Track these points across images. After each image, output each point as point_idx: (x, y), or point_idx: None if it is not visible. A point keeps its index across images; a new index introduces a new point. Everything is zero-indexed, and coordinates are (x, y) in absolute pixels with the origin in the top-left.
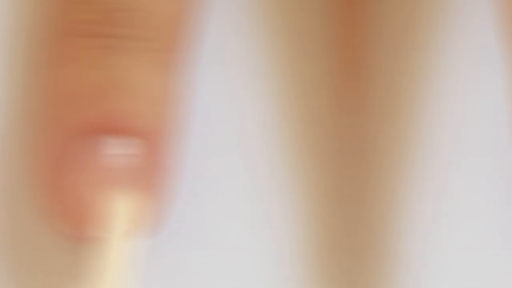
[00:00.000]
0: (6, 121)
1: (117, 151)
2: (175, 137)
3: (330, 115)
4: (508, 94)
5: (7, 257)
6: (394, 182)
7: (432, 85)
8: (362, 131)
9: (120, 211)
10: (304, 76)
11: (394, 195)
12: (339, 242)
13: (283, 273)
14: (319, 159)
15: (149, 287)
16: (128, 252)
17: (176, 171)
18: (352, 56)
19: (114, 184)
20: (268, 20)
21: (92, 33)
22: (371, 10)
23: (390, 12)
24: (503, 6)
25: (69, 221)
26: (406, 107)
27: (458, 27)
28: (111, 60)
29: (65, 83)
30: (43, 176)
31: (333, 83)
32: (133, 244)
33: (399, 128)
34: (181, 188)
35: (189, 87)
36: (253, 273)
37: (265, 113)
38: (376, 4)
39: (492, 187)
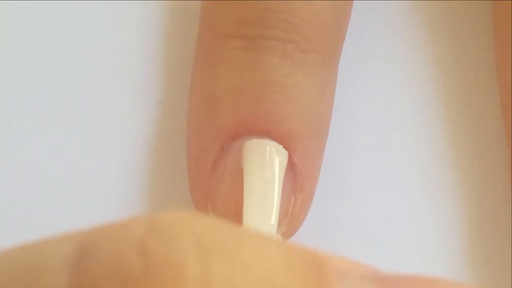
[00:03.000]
0: (162, 121)
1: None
2: (323, 139)
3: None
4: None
5: None
6: None
7: None
8: None
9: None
10: (451, 75)
11: None
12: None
13: (440, 272)
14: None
15: None
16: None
17: (314, 174)
18: None
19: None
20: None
21: (244, 35)
22: None
23: None
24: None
25: None
26: None
27: None
28: (262, 61)
29: (216, 84)
30: (191, 177)
31: (488, 80)
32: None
33: None
34: (321, 188)
35: (336, 89)
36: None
37: (411, 113)
38: None
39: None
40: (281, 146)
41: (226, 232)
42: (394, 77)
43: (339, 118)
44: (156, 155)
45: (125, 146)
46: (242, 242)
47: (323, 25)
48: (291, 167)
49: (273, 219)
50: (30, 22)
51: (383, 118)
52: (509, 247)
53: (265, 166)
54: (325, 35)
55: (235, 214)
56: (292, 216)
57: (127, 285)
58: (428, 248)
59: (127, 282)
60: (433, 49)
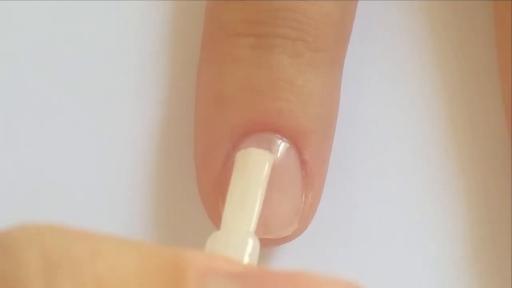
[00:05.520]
0: (170, 120)
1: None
2: (331, 137)
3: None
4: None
5: None
6: None
7: None
8: None
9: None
10: (454, 75)
11: None
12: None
13: (440, 272)
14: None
15: None
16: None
17: (323, 171)
18: None
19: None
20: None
21: (254, 33)
22: None
23: None
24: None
25: (214, 220)
26: None
27: None
28: (273, 59)
29: (226, 82)
30: (200, 174)
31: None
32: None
33: None
34: (326, 188)
35: (340, 88)
36: (408, 273)
37: (413, 113)
38: None
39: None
40: (267, 153)
41: (80, 244)
42: (395, 77)
43: (341, 117)
44: (161, 154)
45: (128, 147)
46: (97, 254)
47: (330, 25)
48: (302, 165)
49: (252, 226)
50: (31, 21)
51: (385, 118)
52: (509, 247)
53: (248, 173)
54: (332, 34)
55: None
56: (303, 214)
57: None
58: (429, 248)
59: None
60: (436, 49)
